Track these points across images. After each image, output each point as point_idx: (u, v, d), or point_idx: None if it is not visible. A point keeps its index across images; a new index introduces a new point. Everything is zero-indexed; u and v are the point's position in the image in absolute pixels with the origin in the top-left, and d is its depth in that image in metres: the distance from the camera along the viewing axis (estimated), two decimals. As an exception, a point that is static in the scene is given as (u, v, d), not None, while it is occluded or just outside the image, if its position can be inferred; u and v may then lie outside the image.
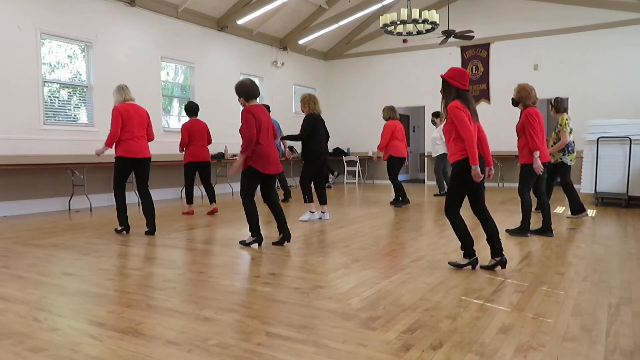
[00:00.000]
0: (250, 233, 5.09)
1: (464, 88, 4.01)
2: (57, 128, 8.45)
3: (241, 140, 4.89)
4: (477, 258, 4.10)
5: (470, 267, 4.09)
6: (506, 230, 5.71)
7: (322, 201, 7.02)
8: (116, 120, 5.68)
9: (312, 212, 6.89)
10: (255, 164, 4.94)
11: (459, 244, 5.14)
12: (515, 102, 5.53)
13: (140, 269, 4.19)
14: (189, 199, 7.71)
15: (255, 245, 5.07)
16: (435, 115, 10.35)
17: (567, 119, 6.66)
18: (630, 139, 8.06)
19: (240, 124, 4.93)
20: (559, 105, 6.75)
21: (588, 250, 4.80)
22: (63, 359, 2.38)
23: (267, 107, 9.84)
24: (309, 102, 6.84)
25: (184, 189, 10.36)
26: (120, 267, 4.27)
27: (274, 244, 5.14)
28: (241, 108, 5.09)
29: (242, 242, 5.14)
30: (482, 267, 4.07)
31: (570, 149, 6.76)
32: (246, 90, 5.02)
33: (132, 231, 6.09)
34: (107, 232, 6.02)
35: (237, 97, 5.08)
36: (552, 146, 6.79)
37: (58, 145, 8.39)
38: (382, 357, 2.36)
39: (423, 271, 4.01)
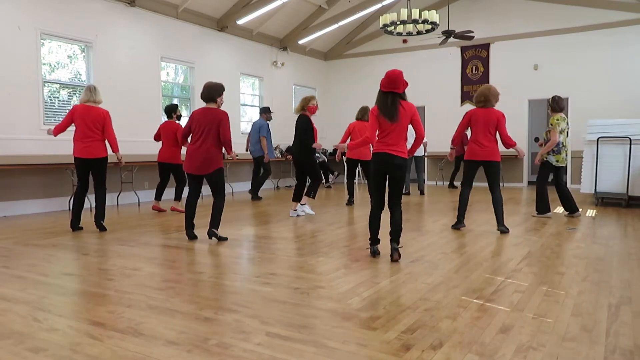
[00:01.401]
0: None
1: (383, 89, 4.32)
2: (57, 128, 8.45)
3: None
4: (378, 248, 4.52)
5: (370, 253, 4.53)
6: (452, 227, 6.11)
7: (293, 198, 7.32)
8: (66, 117, 6.04)
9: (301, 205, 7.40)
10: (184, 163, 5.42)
11: (459, 243, 5.17)
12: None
13: (140, 269, 4.18)
14: (158, 196, 8.10)
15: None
16: None
17: (558, 119, 6.69)
18: (630, 139, 8.06)
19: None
20: (555, 105, 6.78)
21: (588, 250, 4.80)
22: (63, 359, 2.38)
23: (267, 109, 9.96)
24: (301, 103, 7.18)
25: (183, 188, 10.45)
26: (120, 267, 4.27)
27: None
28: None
29: (220, 238, 5.37)
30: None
31: (556, 149, 6.74)
32: (202, 92, 5.43)
33: (132, 231, 6.09)
34: (107, 232, 6.01)
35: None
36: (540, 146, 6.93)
37: (58, 145, 8.38)
38: (382, 357, 2.36)
39: (423, 271, 4.01)
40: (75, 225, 6.09)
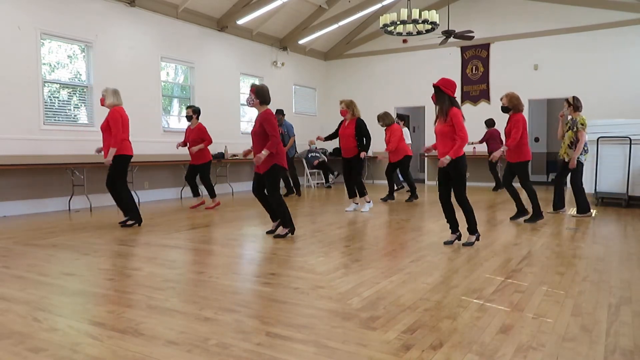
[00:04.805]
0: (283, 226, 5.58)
1: (453, 95, 5.02)
2: (57, 128, 8.45)
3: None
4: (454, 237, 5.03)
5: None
6: (525, 221, 6.55)
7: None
8: (122, 124, 6.29)
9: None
10: (281, 162, 5.45)
11: (460, 243, 5.17)
12: (506, 109, 6.45)
13: (140, 269, 4.18)
14: (211, 193, 8.47)
15: (289, 235, 5.55)
16: (400, 118, 10.72)
17: (584, 119, 6.89)
18: (630, 139, 8.06)
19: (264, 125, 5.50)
20: (578, 104, 6.94)
21: (588, 250, 4.80)
22: (63, 359, 2.38)
23: (282, 112, 10.24)
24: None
25: (184, 188, 10.46)
26: (120, 267, 4.27)
27: (268, 232, 5.76)
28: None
29: (278, 236, 5.51)
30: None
31: (585, 148, 6.98)
32: (261, 95, 5.67)
33: (131, 231, 6.09)
34: (107, 232, 6.02)
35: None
36: (568, 145, 7.00)
37: (58, 145, 8.39)
38: (382, 357, 2.36)
39: (423, 271, 4.01)
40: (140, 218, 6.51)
